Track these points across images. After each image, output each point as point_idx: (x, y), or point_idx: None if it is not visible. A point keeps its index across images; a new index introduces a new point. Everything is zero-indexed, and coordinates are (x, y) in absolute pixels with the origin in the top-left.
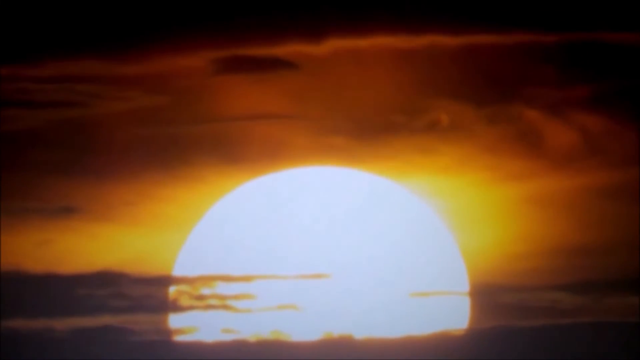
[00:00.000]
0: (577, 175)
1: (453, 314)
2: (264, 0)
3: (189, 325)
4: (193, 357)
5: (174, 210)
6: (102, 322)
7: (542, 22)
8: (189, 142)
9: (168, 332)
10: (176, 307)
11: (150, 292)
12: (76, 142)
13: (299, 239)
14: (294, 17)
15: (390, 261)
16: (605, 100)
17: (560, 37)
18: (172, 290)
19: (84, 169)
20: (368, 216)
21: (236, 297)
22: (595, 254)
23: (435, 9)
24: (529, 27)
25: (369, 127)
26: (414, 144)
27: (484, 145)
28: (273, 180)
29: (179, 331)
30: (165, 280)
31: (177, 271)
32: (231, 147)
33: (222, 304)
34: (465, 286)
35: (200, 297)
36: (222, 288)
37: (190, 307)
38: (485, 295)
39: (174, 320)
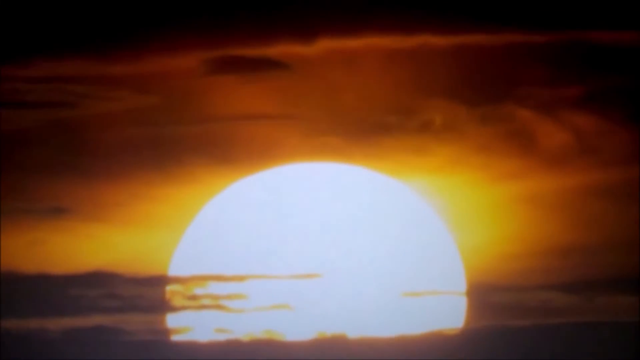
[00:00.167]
0: (570, 174)
1: (446, 314)
2: (255, 1)
3: (182, 325)
4: (186, 357)
5: (166, 210)
6: (94, 322)
7: (534, 21)
8: (181, 142)
9: (161, 332)
10: (169, 307)
11: (142, 292)
12: (67, 142)
13: (292, 239)
14: (285, 18)
15: (384, 260)
16: (597, 99)
17: (552, 37)
18: (165, 290)
19: (75, 169)
20: (363, 215)
21: (229, 297)
22: (588, 254)
23: (426, 9)
24: (521, 27)
25: (361, 127)
26: (407, 144)
27: (477, 145)
28: (264, 179)
29: (172, 331)
30: (158, 280)
31: (170, 271)
32: (223, 147)
33: (216, 303)
34: (458, 286)
35: (194, 297)
36: (215, 288)
37: (184, 307)
38: (479, 294)
39: (167, 320)
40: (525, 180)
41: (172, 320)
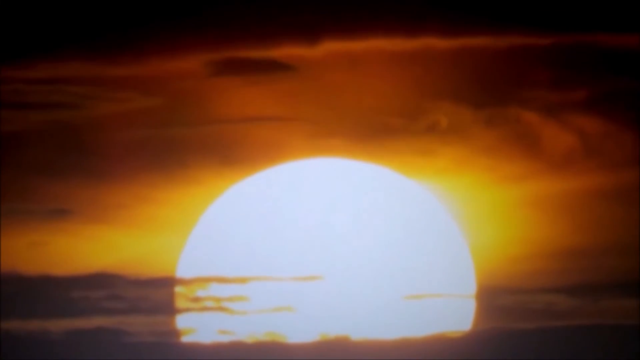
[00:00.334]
0: (575, 177)
1: (450, 316)
2: (259, 3)
3: (185, 327)
4: (189, 359)
5: (169, 212)
6: (96, 323)
7: (539, 24)
8: (184, 144)
9: (164, 334)
10: (172, 309)
11: (145, 294)
12: (69, 143)
13: (295, 240)
14: (289, 20)
15: (388, 262)
16: (602, 102)
17: (557, 40)
18: (168, 292)
19: (77, 170)
20: (369, 214)
21: (232, 298)
22: (592, 256)
23: (430, 12)
24: (527, 29)
25: (366, 129)
26: (412, 145)
27: (482, 147)
28: (264, 180)
29: (175, 332)
30: (161, 282)
31: (173, 273)
32: (226, 148)
33: (218, 305)
34: (462, 288)
35: (196, 299)
36: (217, 290)
37: (187, 309)
38: (482, 297)
39: (170, 322)
40: (530, 182)
41: (175, 322)
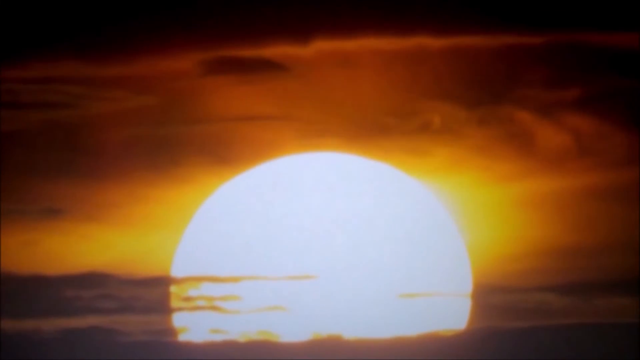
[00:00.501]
0: (569, 176)
1: (443, 315)
2: (251, 2)
3: (178, 326)
4: (182, 358)
5: (162, 211)
6: (89, 323)
7: (533, 23)
8: (177, 143)
9: (157, 333)
10: (165, 308)
11: (138, 293)
12: (63, 143)
13: (288, 240)
14: (281, 19)
15: (381, 260)
16: (596, 101)
17: (551, 38)
18: (161, 291)
19: (70, 169)
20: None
21: (224, 298)
22: (587, 255)
23: (422, 11)
24: (520, 28)
25: (359, 128)
26: (405, 145)
27: (476, 146)
28: (256, 177)
29: (168, 332)
30: (154, 281)
31: (166, 272)
32: (219, 147)
33: (210, 305)
34: (457, 287)
35: (189, 299)
36: (209, 289)
37: (179, 308)
38: (477, 296)
39: (163, 321)
40: (524, 182)
41: (167, 321)
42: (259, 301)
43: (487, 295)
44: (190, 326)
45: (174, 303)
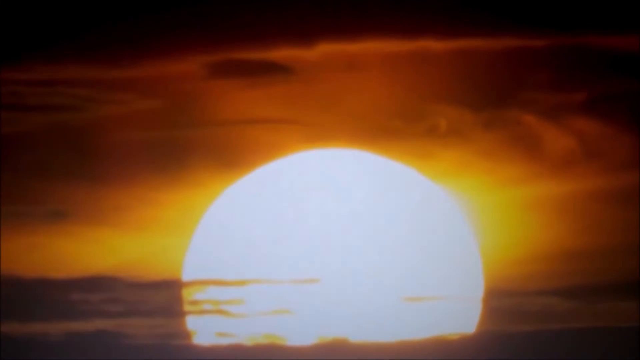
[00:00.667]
0: (575, 179)
1: (450, 318)
2: (256, 5)
3: (184, 330)
4: None
5: (169, 215)
6: (96, 326)
7: (538, 26)
8: (183, 146)
9: (163, 336)
10: (171, 312)
11: (144, 297)
12: (69, 145)
13: (294, 243)
14: (287, 21)
15: (388, 263)
16: (601, 104)
17: (556, 42)
18: (167, 294)
19: (77, 172)
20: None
21: (230, 301)
22: (591, 258)
23: (427, 13)
24: (526, 31)
25: (364, 131)
26: (412, 148)
27: (482, 149)
28: (262, 180)
29: (174, 335)
30: (160, 285)
31: (172, 276)
32: (225, 151)
33: (217, 308)
34: (463, 291)
35: (195, 302)
36: (216, 293)
37: (185, 312)
38: (482, 299)
39: (169, 325)
40: (531, 184)
41: (174, 325)
42: (265, 305)
43: (491, 299)
44: (197, 329)
45: (181, 307)
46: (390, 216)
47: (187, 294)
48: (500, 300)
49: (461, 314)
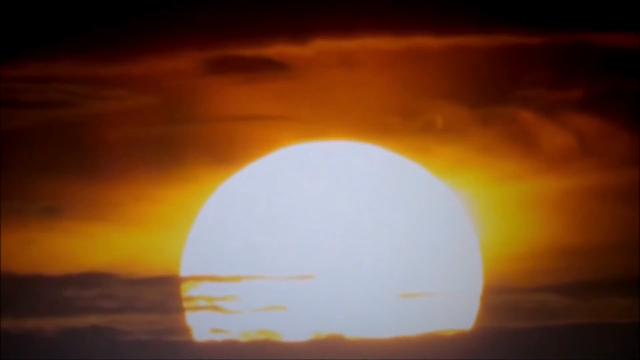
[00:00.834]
0: (572, 176)
1: (445, 315)
2: (250, 1)
3: (179, 326)
4: (183, 357)
5: (163, 210)
6: (90, 322)
7: (536, 23)
8: (177, 142)
9: (157, 332)
10: (165, 308)
11: (139, 293)
12: (63, 142)
13: (289, 238)
14: (281, 18)
15: (382, 260)
16: (599, 101)
17: (554, 38)
18: (162, 290)
19: (71, 168)
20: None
21: (224, 297)
22: (589, 255)
23: (423, 10)
24: (523, 28)
25: (360, 128)
26: (408, 145)
27: (479, 146)
28: (254, 175)
29: (168, 331)
30: (154, 281)
31: (166, 272)
32: (220, 147)
33: (211, 304)
34: (458, 287)
35: (189, 298)
36: (210, 289)
37: (179, 308)
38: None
39: (164, 321)
40: (528, 181)
41: (168, 321)
42: (259, 301)
43: (488, 295)
44: (191, 325)
45: (175, 303)
46: (386, 212)
47: (181, 290)
48: (497, 296)
49: (458, 311)
